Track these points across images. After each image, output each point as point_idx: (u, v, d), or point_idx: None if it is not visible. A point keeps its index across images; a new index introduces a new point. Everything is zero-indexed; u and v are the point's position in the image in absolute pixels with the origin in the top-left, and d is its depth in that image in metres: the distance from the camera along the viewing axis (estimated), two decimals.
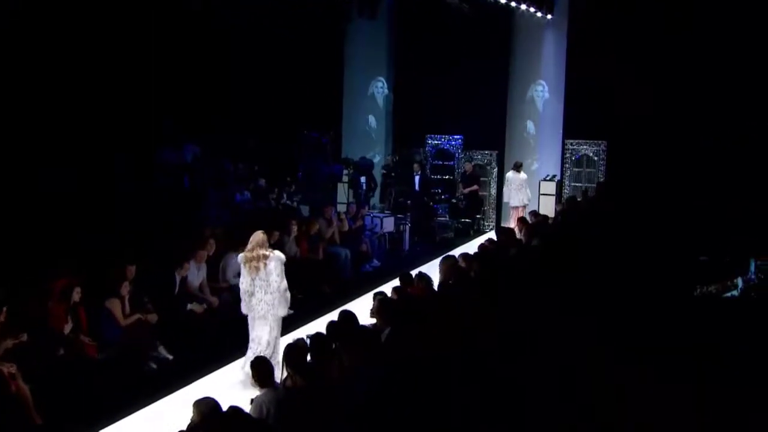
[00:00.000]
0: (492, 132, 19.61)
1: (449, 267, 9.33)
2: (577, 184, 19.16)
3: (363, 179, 17.88)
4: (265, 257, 8.59)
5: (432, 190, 18.78)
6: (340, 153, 19.90)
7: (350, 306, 10.35)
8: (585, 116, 18.55)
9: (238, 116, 18.68)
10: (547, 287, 8.39)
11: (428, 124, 20.20)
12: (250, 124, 18.85)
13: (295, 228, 12.51)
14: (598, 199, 16.33)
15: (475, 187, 18.65)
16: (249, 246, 8.67)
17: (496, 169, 19.76)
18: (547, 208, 17.58)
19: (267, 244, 8.72)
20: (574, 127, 19.03)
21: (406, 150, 19.76)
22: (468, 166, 18.78)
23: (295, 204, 16.63)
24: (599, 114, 18.43)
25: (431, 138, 20.12)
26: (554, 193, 18.60)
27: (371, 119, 20.70)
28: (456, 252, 12.17)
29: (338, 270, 13.29)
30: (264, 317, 8.66)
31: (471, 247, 15.51)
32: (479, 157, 19.90)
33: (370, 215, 16.04)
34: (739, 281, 8.36)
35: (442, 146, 20.07)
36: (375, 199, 18.84)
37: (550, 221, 14.30)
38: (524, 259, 10.16)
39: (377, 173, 18.93)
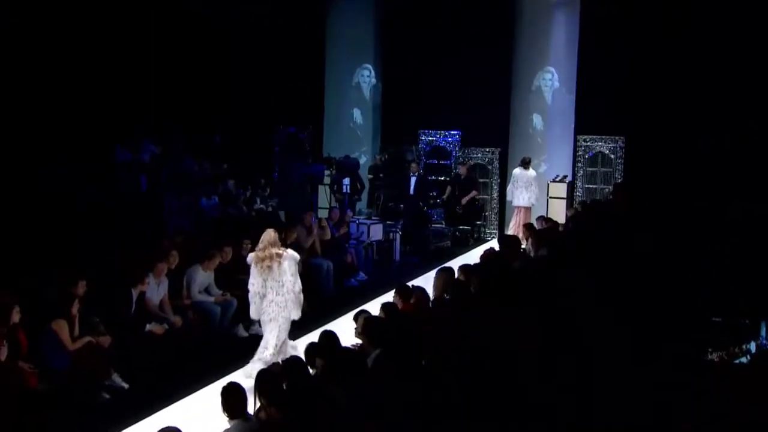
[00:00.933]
0: (494, 127, 19.59)
1: (445, 280, 9.28)
2: (591, 186, 19.17)
3: (347, 181, 17.83)
4: (279, 256, 9.26)
5: (427, 194, 18.78)
6: (320, 151, 19.88)
7: (332, 326, 10.33)
8: (600, 108, 18.54)
9: (204, 110, 18.66)
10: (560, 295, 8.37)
11: (421, 118, 20.18)
12: (217, 118, 18.83)
13: None
14: (614, 202, 16.31)
15: (474, 193, 18.68)
16: (260, 245, 9.34)
17: (498, 169, 19.79)
18: (557, 212, 17.57)
19: (279, 243, 9.40)
20: (587, 120, 19.01)
21: (396, 148, 19.75)
22: (462, 169, 18.77)
23: (269, 209, 16.60)
24: (617, 106, 18.42)
25: (425, 134, 20.12)
26: (565, 195, 18.59)
27: (356, 113, 20.63)
28: (453, 263, 12.11)
29: (319, 284, 13.25)
30: (274, 320, 9.31)
31: (471, 257, 15.48)
32: (479, 155, 19.91)
33: (355, 222, 16.01)
34: (752, 346, 8.24)
35: (437, 143, 20.05)
36: (362, 204, 18.83)
37: (560, 228, 14.26)
38: (531, 271, 10.09)
39: (363, 174, 18.93)
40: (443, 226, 18.50)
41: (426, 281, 10.87)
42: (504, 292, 8.70)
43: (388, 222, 16.61)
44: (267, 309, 9.33)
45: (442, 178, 19.47)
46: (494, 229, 19.74)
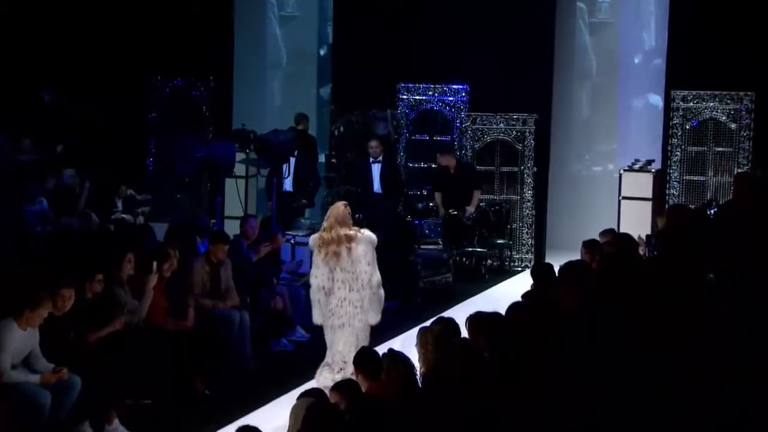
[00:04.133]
0: (526, 79, 19.70)
1: (438, 340, 9.23)
2: (695, 178, 19.16)
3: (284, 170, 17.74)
4: (350, 239, 11.04)
5: (410, 193, 18.65)
6: (229, 121, 19.97)
7: (252, 419, 10.59)
8: (711, 45, 18.59)
9: (27, 48, 18.61)
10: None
11: (403, 65, 20.27)
12: (47, 65, 18.78)
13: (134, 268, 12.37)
14: (736, 205, 16.26)
15: (477, 194, 18.82)
16: (325, 223, 11.21)
17: (534, 149, 19.79)
18: (636, 224, 17.54)
19: (351, 221, 11.23)
20: (687, 65, 19.08)
21: (358, 114, 19.79)
22: (445, 159, 18.71)
23: (139, 220, 16.55)
24: (741, 40, 18.42)
25: (408, 90, 20.10)
26: (650, 194, 18.62)
27: (286, 55, 20.70)
28: (456, 313, 12.05)
29: (227, 349, 13.20)
30: (348, 325, 11.14)
31: (487, 300, 15.61)
32: (501, 125, 19.83)
33: (289, 241, 15.98)
34: None
35: (428, 105, 20.05)
36: (314, 211, 19.01)
37: (642, 250, 14.23)
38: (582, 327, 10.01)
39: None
40: (440, 247, 18.42)
41: (410, 344, 10.83)
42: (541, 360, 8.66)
43: None
44: (337, 310, 11.11)
45: (437, 166, 19.38)
46: (528, 252, 19.73)
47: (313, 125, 20.54)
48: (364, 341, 10.95)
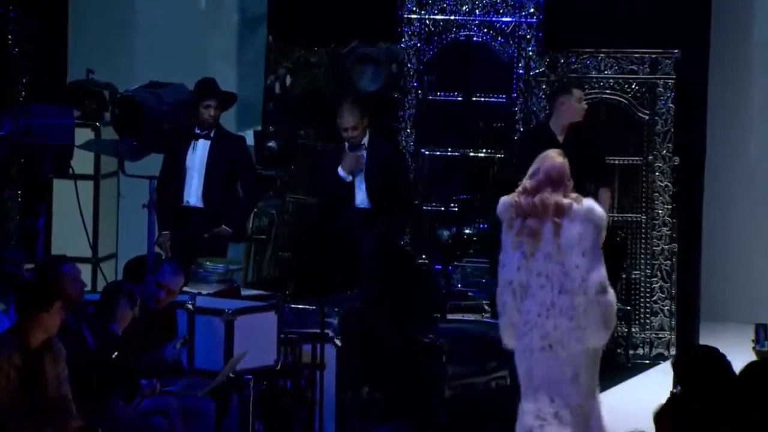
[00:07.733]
0: None
1: None
2: None
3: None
4: (560, 210, 12.41)
5: (426, 209, 18.72)
6: (63, 66, 20.21)
7: None
8: None
9: None
10: None
11: None
12: None
13: None
14: None
15: (608, 199, 18.69)
16: (528, 181, 12.67)
17: (673, 119, 19.58)
18: None
19: (570, 183, 12.64)
20: None
21: (320, 53, 20.24)
22: (576, 104, 18.62)
23: None
24: None
25: (420, 4, 20.07)
26: None
27: None
28: None
29: None
30: (560, 347, 12.40)
31: None
32: (608, 73, 19.68)
33: (188, 305, 15.89)
34: None
35: (462, 34, 20.06)
36: (237, 251, 19.56)
37: None
38: None
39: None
40: (490, 317, 18.23)
41: None
42: None
43: (294, 305, 16.49)
44: (538, 322, 12.44)
45: (477, 154, 19.25)
46: (664, 328, 19.48)
47: (232, 77, 20.79)
48: (588, 378, 12.23)
